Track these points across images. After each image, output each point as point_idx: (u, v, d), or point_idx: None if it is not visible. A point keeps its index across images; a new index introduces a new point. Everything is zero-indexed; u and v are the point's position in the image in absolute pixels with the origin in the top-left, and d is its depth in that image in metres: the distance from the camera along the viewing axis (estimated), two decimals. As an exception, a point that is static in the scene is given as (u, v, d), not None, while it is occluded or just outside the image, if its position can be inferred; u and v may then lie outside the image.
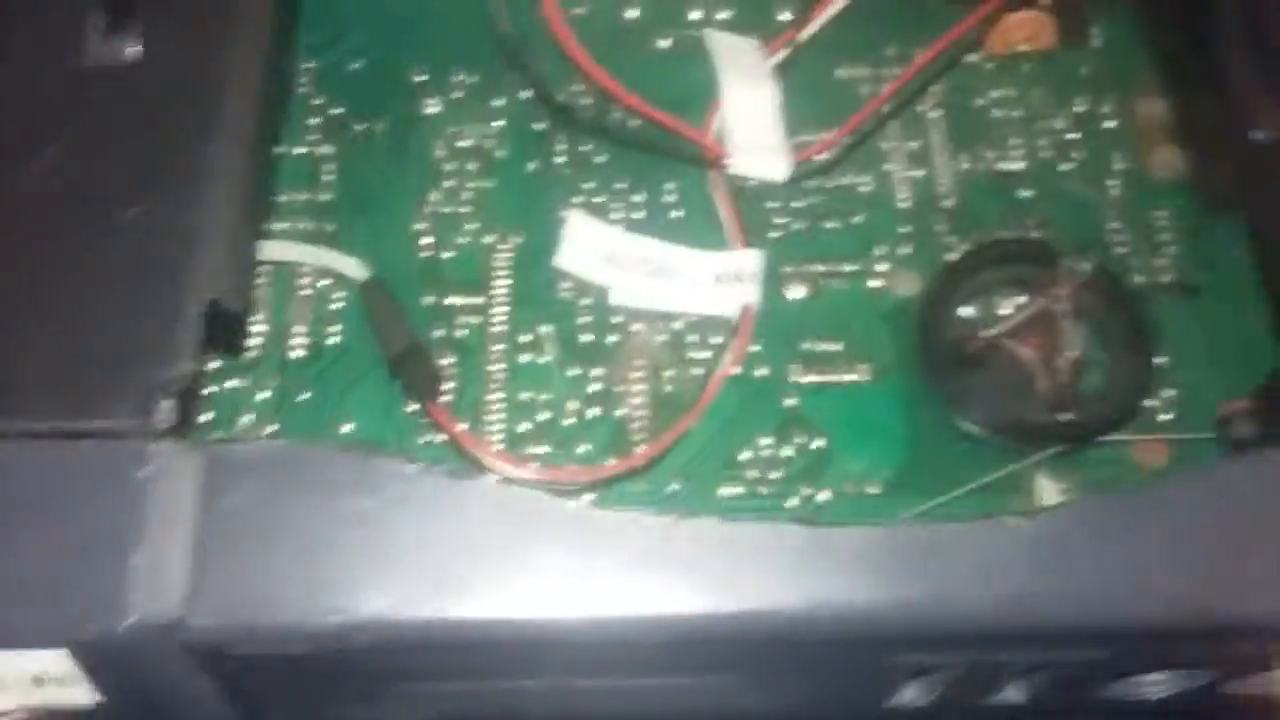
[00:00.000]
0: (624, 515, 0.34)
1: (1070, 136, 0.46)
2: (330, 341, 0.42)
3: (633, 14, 0.49)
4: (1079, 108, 0.47)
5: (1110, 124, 0.47)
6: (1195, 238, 0.44)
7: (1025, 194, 0.45)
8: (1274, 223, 0.42)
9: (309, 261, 0.43)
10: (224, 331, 0.38)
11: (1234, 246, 0.44)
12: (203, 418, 0.40)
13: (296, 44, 0.47)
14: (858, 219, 0.45)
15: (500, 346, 0.42)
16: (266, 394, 0.41)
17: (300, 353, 0.42)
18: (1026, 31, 0.47)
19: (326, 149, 0.45)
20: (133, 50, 0.40)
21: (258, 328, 0.42)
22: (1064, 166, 0.46)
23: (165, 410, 0.34)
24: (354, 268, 0.42)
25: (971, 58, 0.48)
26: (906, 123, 0.47)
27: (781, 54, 0.47)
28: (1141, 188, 0.45)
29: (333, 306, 0.43)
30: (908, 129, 0.47)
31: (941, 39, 0.46)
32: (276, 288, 0.43)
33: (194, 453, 0.34)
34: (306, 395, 0.41)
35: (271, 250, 0.42)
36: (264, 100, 0.41)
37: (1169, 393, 0.41)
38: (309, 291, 0.43)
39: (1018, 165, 0.46)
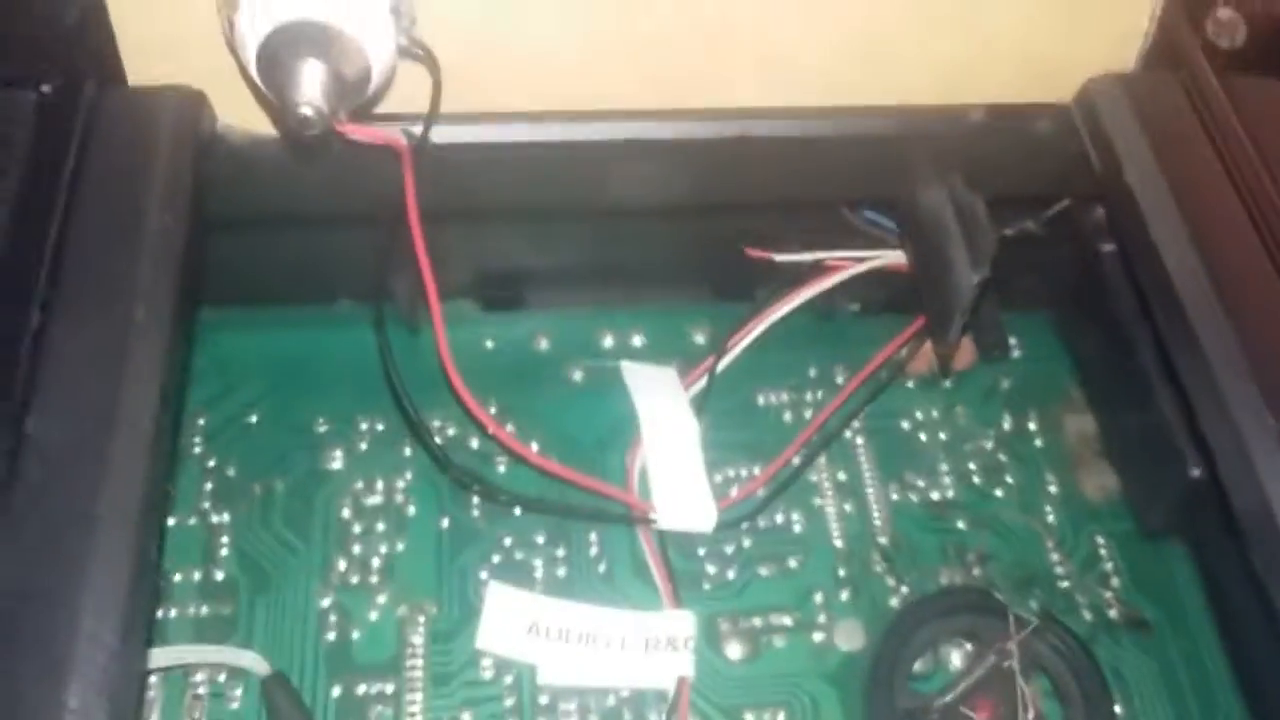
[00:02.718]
0: None
1: (1000, 458, 0.45)
2: (229, 753, 0.38)
3: (544, 345, 0.47)
4: (1005, 425, 0.46)
5: (1038, 442, 0.46)
6: (1137, 564, 0.43)
7: (960, 525, 0.44)
8: (1218, 560, 0.41)
9: (203, 660, 0.39)
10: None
11: (1178, 571, 0.43)
12: None
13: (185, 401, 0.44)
14: (792, 563, 0.43)
15: (419, 729, 0.38)
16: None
17: (194, 766, 0.38)
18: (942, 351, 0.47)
19: (221, 517, 0.42)
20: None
21: (147, 732, 0.38)
22: (997, 491, 0.45)
23: None
24: (253, 661, 0.39)
25: (892, 377, 0.47)
26: (834, 453, 0.45)
27: (700, 384, 0.45)
28: (1077, 510, 0.44)
29: (231, 706, 0.39)
30: (835, 459, 0.45)
31: (866, 366, 0.45)
32: (167, 689, 0.39)
33: None
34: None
35: (160, 656, 0.38)
36: (149, 497, 0.37)
37: (1130, 744, 0.39)
38: (203, 690, 0.39)
39: (950, 493, 0.45)
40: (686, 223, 0.45)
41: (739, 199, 0.41)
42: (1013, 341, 0.48)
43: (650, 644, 0.40)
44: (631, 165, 0.39)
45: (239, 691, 0.39)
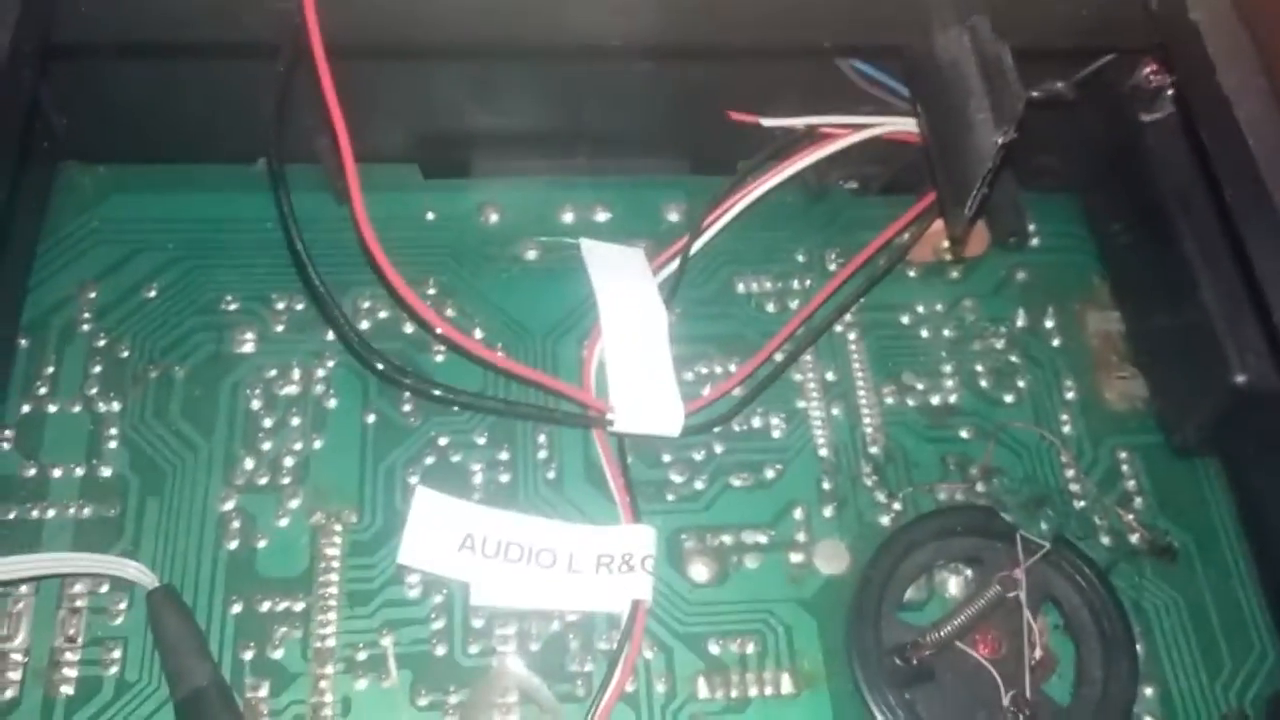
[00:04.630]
0: None
1: (1011, 359, 0.40)
2: (109, 672, 0.33)
3: (493, 218, 0.41)
4: (1019, 322, 0.40)
5: (1055, 342, 0.40)
6: (1164, 483, 0.38)
7: (963, 435, 0.38)
8: (1258, 479, 0.36)
9: (81, 570, 0.33)
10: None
11: (1209, 492, 0.38)
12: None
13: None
14: (769, 473, 0.37)
15: (329, 669, 0.33)
16: (22, 751, 0.32)
17: (68, 689, 0.32)
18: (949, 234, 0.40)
19: (109, 406, 0.36)
20: None
21: (13, 655, 0.32)
22: (1007, 398, 0.39)
23: None
24: (138, 573, 0.33)
25: (892, 265, 0.41)
26: (822, 349, 0.39)
27: (671, 267, 0.39)
28: (1097, 421, 0.39)
29: (113, 623, 0.33)
30: (823, 357, 0.39)
31: (862, 251, 0.39)
32: (39, 600, 0.33)
33: None
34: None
35: (32, 564, 0.33)
36: None
37: (1150, 689, 0.34)
38: (82, 603, 0.33)
39: (952, 398, 0.39)
40: (660, 75, 0.39)
41: (721, 41, 0.34)
42: (1031, 228, 0.42)
43: (603, 563, 0.35)
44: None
45: (123, 605, 0.33)
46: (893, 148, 0.40)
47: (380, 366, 0.35)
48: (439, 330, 0.36)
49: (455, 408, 0.37)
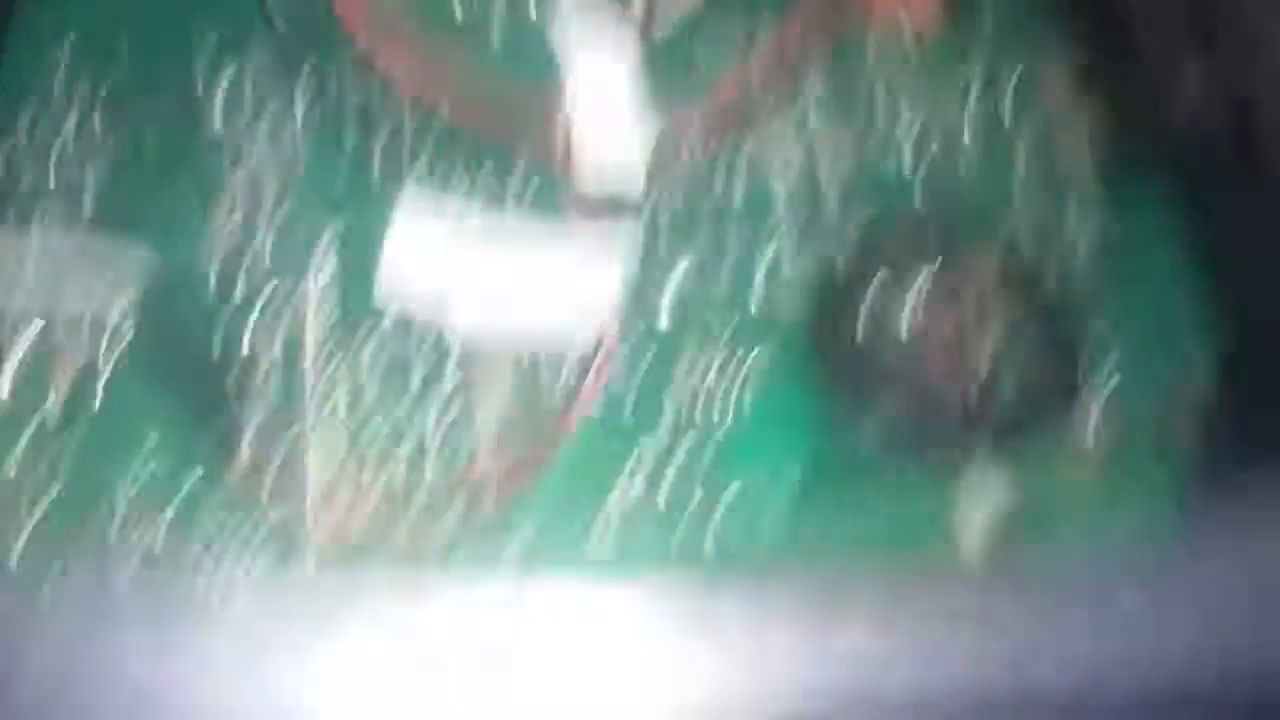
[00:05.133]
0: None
1: (967, 121, 0.41)
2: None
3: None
4: (974, 84, 0.42)
5: (1009, 105, 0.41)
6: (1111, 219, 0.39)
7: (921, 183, 0.39)
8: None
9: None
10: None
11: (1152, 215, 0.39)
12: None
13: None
14: (731, 220, 0.39)
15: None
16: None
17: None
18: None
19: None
20: None
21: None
22: (962, 156, 0.40)
23: None
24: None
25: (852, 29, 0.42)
26: (781, 104, 0.41)
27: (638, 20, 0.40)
28: (1050, 169, 0.40)
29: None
30: (783, 112, 0.41)
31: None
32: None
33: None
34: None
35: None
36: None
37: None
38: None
39: (909, 151, 0.40)
40: None
41: None
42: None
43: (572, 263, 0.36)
44: None
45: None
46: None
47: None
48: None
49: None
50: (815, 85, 0.41)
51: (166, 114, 0.38)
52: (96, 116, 0.38)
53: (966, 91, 0.41)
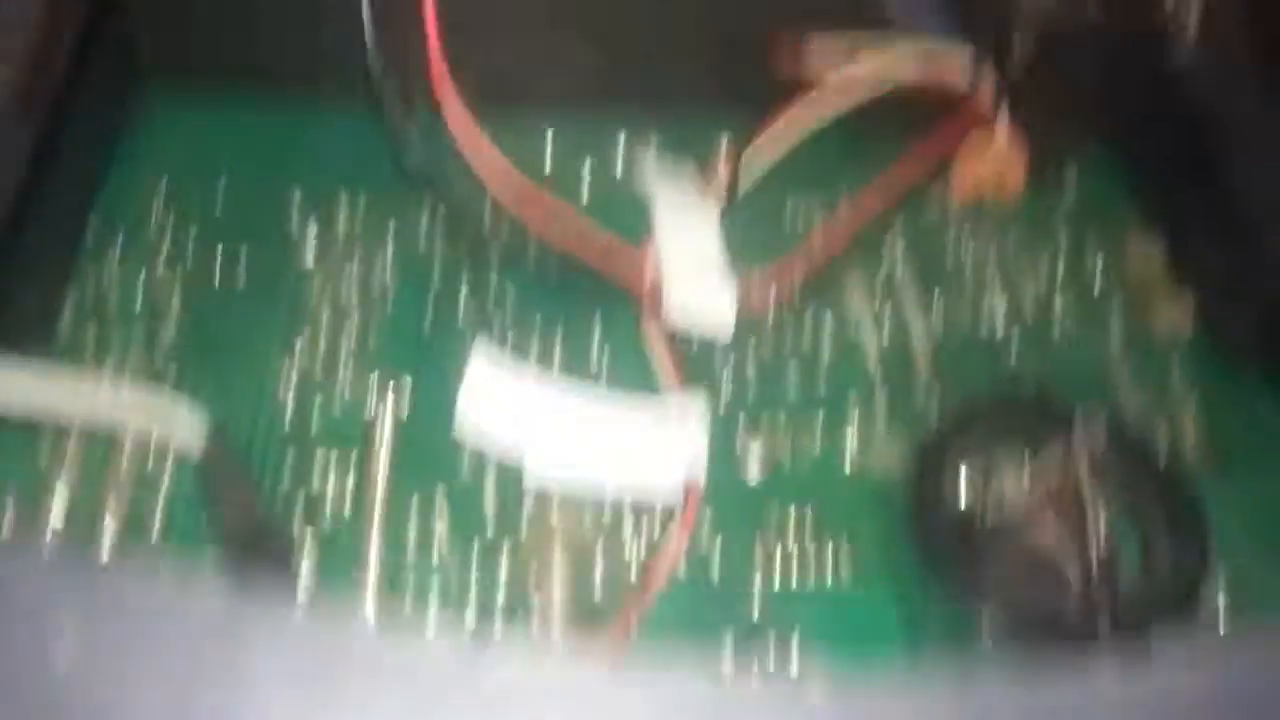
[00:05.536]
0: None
1: (1056, 288, 0.40)
2: (154, 529, 0.32)
3: (545, 146, 0.42)
4: (1061, 255, 0.41)
5: (1098, 271, 0.41)
6: (1215, 397, 0.38)
7: (1014, 351, 0.38)
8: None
9: (130, 415, 0.32)
10: None
11: (1259, 405, 0.38)
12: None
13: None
14: (820, 377, 0.37)
15: (376, 538, 0.32)
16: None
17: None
18: (992, 172, 0.41)
19: (173, 283, 0.36)
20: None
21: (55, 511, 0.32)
22: (1053, 323, 0.39)
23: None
24: (191, 426, 0.32)
25: (934, 199, 0.42)
26: (868, 268, 0.40)
27: (719, 192, 0.40)
28: (1146, 344, 0.39)
29: (161, 483, 0.32)
30: (869, 275, 0.40)
31: (898, 170, 0.40)
32: (88, 455, 0.33)
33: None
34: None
35: (75, 395, 0.32)
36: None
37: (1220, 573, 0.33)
38: (126, 465, 0.33)
39: (1000, 319, 0.39)
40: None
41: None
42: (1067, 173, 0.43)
43: (656, 437, 0.34)
44: None
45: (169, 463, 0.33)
46: (937, 90, 0.41)
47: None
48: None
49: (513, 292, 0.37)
50: (899, 247, 0.40)
51: (256, 253, 0.37)
52: (189, 248, 0.37)
53: (1055, 260, 0.41)
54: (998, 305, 0.39)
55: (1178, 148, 0.39)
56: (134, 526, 0.31)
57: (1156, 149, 0.41)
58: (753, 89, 0.41)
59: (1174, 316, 0.39)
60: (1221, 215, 0.38)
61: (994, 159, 0.41)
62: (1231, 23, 0.37)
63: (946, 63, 0.40)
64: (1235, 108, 0.37)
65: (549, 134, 0.42)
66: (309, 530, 0.32)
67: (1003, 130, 0.41)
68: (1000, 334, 0.39)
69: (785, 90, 0.40)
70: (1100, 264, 0.41)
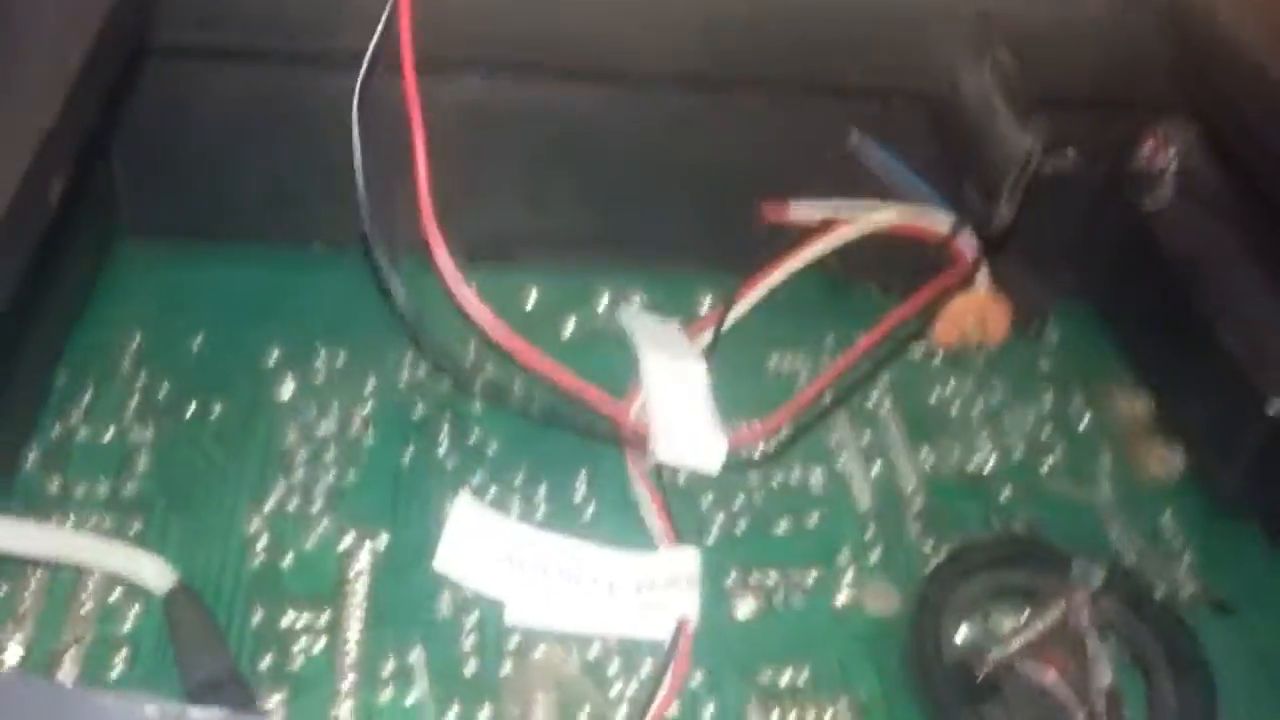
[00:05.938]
0: None
1: (1043, 433, 0.40)
2: (113, 673, 0.30)
3: (530, 299, 0.42)
4: (1048, 402, 0.41)
5: (1086, 418, 0.41)
6: (1209, 543, 0.37)
7: (1004, 494, 0.38)
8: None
9: (95, 561, 0.31)
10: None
11: (1255, 552, 0.37)
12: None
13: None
14: (811, 520, 0.36)
15: (351, 679, 0.31)
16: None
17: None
18: (976, 318, 0.42)
19: (143, 433, 0.36)
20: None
21: (11, 651, 0.30)
22: (1044, 465, 0.39)
23: None
24: (156, 571, 0.31)
25: (918, 348, 0.42)
26: (855, 414, 0.40)
27: (705, 340, 0.40)
28: (1136, 486, 0.39)
29: (123, 628, 0.31)
30: (857, 421, 0.39)
31: (884, 322, 0.40)
32: (50, 596, 0.31)
33: None
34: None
35: (40, 539, 0.31)
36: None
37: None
38: (89, 606, 0.31)
39: (989, 463, 0.39)
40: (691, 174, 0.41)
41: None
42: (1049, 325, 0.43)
43: (645, 586, 0.33)
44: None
45: (135, 608, 0.31)
46: (914, 245, 0.42)
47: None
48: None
49: (491, 451, 0.37)
50: (887, 389, 0.40)
51: (225, 412, 0.37)
52: (158, 401, 0.37)
53: (1039, 402, 0.41)
54: (984, 447, 0.39)
55: (1158, 296, 0.40)
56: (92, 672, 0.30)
57: (1137, 298, 0.42)
58: (737, 250, 0.42)
59: (1163, 464, 0.39)
60: (1205, 364, 0.38)
61: (977, 307, 0.42)
62: (1208, 170, 0.38)
63: (929, 216, 0.41)
64: (1213, 254, 0.38)
65: (534, 289, 0.42)
66: (280, 680, 0.30)
67: (984, 279, 0.41)
68: (989, 478, 0.38)
69: (769, 249, 0.41)
70: (1084, 410, 0.41)
